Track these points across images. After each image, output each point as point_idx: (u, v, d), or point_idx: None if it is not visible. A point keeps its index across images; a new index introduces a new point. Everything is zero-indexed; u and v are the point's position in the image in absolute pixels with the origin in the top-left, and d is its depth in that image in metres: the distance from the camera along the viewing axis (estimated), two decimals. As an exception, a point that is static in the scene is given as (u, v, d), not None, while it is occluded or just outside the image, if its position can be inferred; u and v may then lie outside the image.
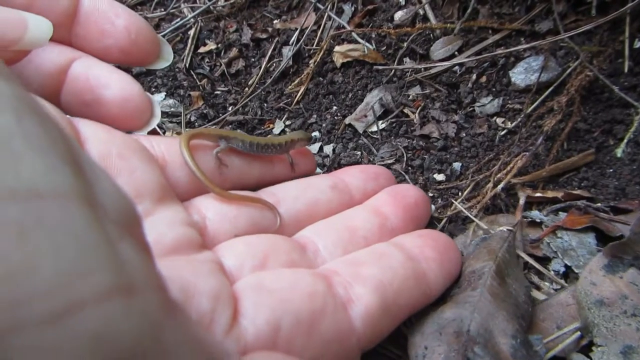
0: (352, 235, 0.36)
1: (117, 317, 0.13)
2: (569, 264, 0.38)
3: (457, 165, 0.47)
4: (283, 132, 0.53)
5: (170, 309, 0.16)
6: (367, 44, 0.52)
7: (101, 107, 0.34)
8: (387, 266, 0.32)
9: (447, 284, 0.35)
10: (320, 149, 0.50)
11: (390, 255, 0.33)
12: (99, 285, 0.13)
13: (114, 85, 0.34)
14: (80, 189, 0.14)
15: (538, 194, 0.44)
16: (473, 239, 0.41)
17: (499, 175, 0.45)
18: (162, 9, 0.68)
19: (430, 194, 0.46)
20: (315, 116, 0.53)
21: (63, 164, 0.14)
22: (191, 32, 0.63)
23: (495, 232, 0.40)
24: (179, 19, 0.65)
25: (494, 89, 0.51)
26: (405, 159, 0.48)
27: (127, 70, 0.52)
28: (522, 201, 0.42)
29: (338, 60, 0.54)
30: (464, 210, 0.43)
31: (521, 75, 0.50)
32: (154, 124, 0.36)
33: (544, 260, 0.40)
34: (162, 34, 0.63)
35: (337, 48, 0.56)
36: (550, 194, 0.44)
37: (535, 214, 0.43)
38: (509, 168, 0.45)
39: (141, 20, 0.35)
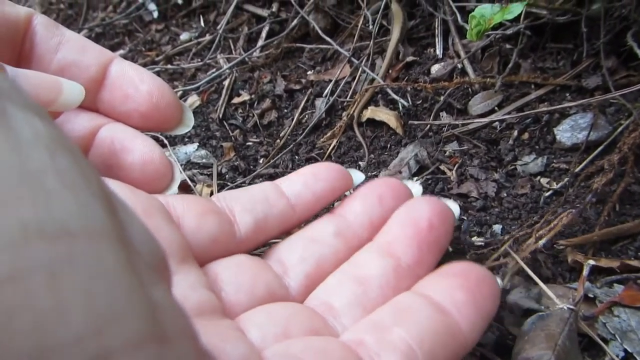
0: (366, 287, 0.33)
1: None
2: (629, 349, 0.34)
3: (497, 227, 0.44)
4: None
5: None
6: (401, 100, 0.51)
7: (123, 171, 0.34)
8: (414, 323, 0.29)
9: (484, 325, 0.31)
10: (352, 205, 0.48)
11: (416, 309, 0.30)
12: (132, 332, 0.12)
13: (137, 149, 0.34)
14: (113, 228, 0.13)
15: (591, 262, 0.40)
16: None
17: (543, 241, 0.41)
18: (199, 59, 0.70)
19: (468, 258, 0.43)
20: (347, 170, 0.51)
21: (96, 202, 0.13)
22: (226, 83, 0.63)
23: (554, 310, 0.36)
24: (214, 70, 0.66)
25: (537, 147, 0.48)
26: (441, 219, 0.45)
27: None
28: (585, 272, 0.38)
29: (367, 115, 0.53)
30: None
31: (567, 133, 0.47)
32: (174, 187, 0.35)
33: (601, 341, 0.36)
34: (198, 84, 0.64)
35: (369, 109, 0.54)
36: (604, 263, 0.40)
37: (587, 286, 0.39)
38: (554, 232, 0.41)
39: (165, 86, 0.36)
